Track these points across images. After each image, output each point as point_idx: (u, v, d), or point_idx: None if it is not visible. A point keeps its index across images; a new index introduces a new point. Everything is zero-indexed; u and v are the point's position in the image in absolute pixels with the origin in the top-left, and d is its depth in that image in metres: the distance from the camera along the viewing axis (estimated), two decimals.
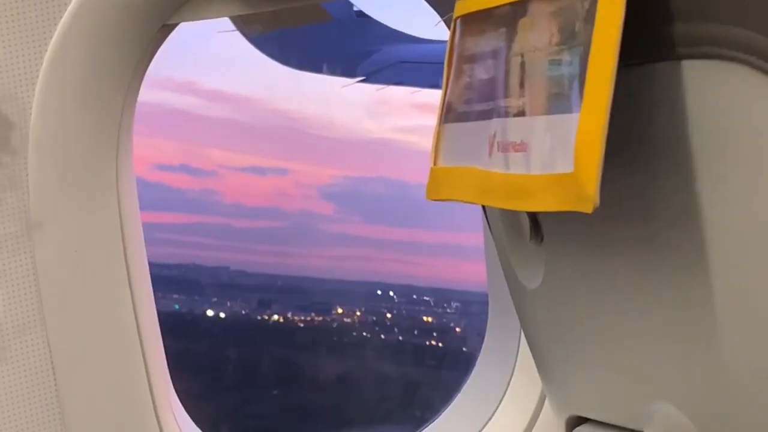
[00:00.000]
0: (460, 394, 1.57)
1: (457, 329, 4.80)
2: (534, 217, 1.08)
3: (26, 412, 1.36)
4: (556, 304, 1.10)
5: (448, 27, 1.10)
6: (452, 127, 1.05)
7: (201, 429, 1.48)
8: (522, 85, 0.95)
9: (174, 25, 1.34)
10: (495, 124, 0.97)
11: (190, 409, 1.46)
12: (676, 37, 0.88)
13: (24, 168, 1.32)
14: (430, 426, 1.57)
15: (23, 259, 1.33)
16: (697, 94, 0.87)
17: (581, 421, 1.14)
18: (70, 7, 1.29)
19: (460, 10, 1.05)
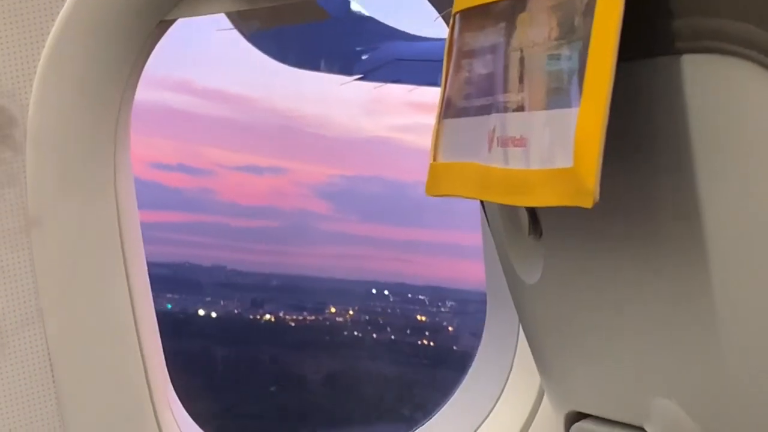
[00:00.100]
0: (458, 390, 1.57)
1: (450, 328, 4.80)
2: (533, 212, 1.08)
3: (25, 407, 1.36)
4: (555, 299, 1.10)
5: (447, 22, 1.10)
6: (452, 122, 1.05)
7: None
8: (521, 80, 0.94)
9: (172, 21, 1.34)
10: (494, 119, 0.97)
11: None
12: (675, 31, 0.87)
13: (24, 164, 1.31)
14: (429, 421, 1.57)
15: (23, 256, 1.33)
16: (697, 89, 0.87)
17: (580, 416, 1.14)
18: (68, 3, 1.29)
19: (459, 5, 1.05)
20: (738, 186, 0.87)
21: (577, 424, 1.14)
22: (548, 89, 0.90)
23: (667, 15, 0.88)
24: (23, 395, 1.36)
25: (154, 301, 1.44)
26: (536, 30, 0.93)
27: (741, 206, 0.87)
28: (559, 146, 0.88)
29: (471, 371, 1.57)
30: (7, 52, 1.30)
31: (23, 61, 1.30)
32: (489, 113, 0.98)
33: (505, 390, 1.52)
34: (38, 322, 1.34)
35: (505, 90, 0.96)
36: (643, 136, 0.92)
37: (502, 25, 0.98)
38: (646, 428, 1.03)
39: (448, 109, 1.05)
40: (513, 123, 0.94)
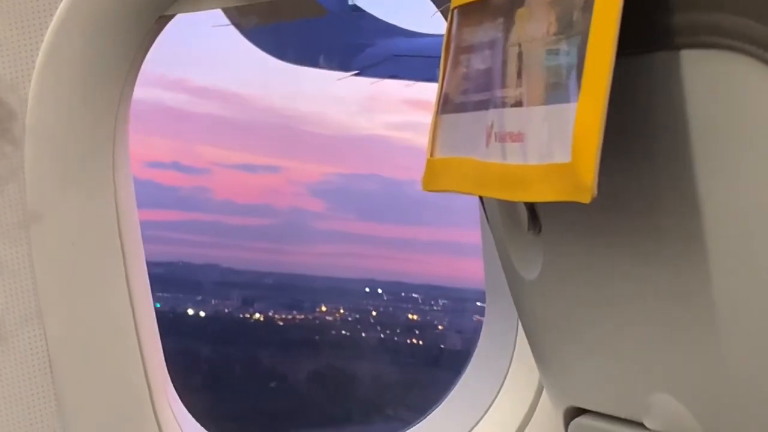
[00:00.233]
0: (457, 385, 1.57)
1: (440, 327, 4.80)
2: (532, 208, 1.08)
3: (25, 405, 1.36)
4: (555, 295, 1.10)
5: (445, 18, 1.10)
6: (449, 117, 1.05)
7: None
8: (519, 75, 0.94)
9: (171, 17, 1.33)
10: (492, 114, 0.97)
11: None
12: (674, 26, 0.87)
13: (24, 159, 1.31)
14: (428, 416, 1.57)
15: (25, 251, 1.33)
16: (696, 84, 0.87)
17: (579, 412, 1.14)
18: None
19: (457, 0, 1.05)
20: (737, 181, 0.87)
21: (576, 419, 1.14)
22: (546, 84, 0.90)
23: (666, 10, 0.88)
24: (23, 393, 1.35)
25: None
26: (535, 25, 0.93)
27: (740, 201, 0.87)
28: (558, 141, 0.88)
29: (470, 367, 1.57)
30: (8, 44, 1.30)
31: (24, 54, 1.30)
32: (487, 108, 0.98)
33: (503, 385, 1.52)
34: (39, 319, 1.34)
35: (503, 85, 0.96)
36: (642, 131, 0.92)
37: (501, 20, 0.98)
38: (645, 423, 1.03)
39: (446, 105, 1.05)
40: (511, 118, 0.94)
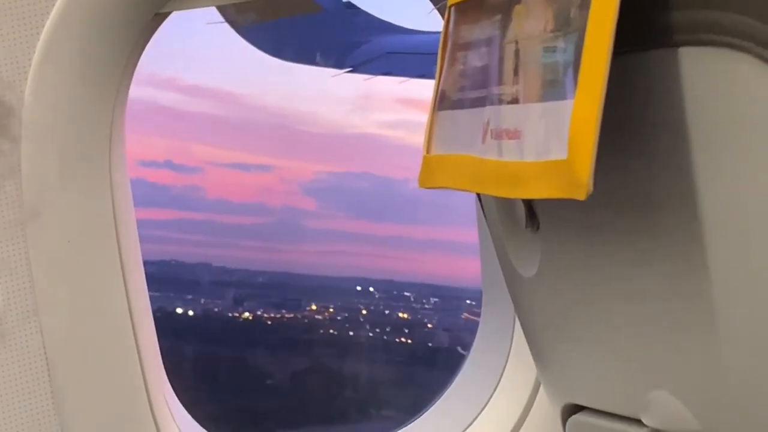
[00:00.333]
0: (454, 382, 1.57)
1: (429, 325, 4.79)
2: (529, 205, 1.08)
3: (23, 402, 1.35)
4: (553, 292, 1.09)
5: (442, 15, 1.10)
6: (446, 114, 1.05)
7: None
8: (516, 72, 0.94)
9: (167, 14, 1.33)
10: (488, 111, 0.97)
11: None
12: (672, 23, 0.87)
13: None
14: (425, 414, 1.57)
15: (23, 248, 1.32)
16: (694, 82, 0.87)
17: (577, 409, 1.14)
18: None
19: None
20: (735, 178, 0.87)
21: (574, 416, 1.14)
22: (543, 81, 0.90)
23: (663, 7, 0.88)
24: (22, 390, 1.35)
25: None
26: (532, 22, 0.93)
27: (738, 198, 0.87)
28: (554, 138, 0.88)
29: (466, 364, 1.57)
30: (5, 41, 1.29)
31: (21, 51, 1.30)
32: (483, 105, 0.98)
33: (500, 383, 1.52)
34: (37, 316, 1.34)
35: (500, 82, 0.96)
36: (639, 128, 0.92)
37: (498, 17, 0.98)
38: (643, 420, 1.03)
39: (443, 102, 1.05)
40: (507, 115, 0.94)
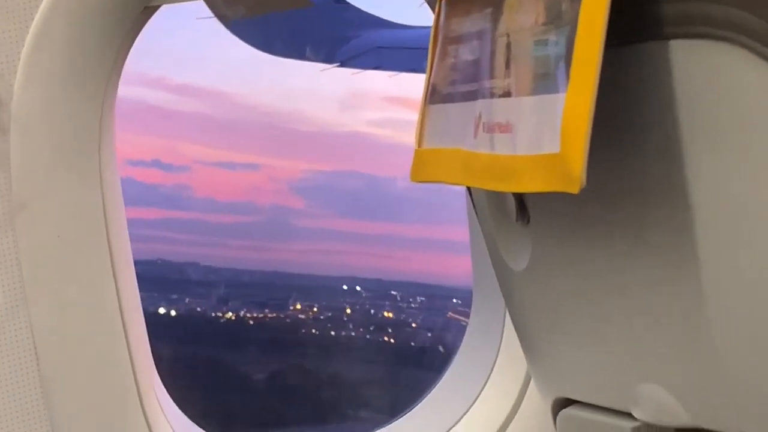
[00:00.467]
0: (444, 377, 1.57)
1: (414, 324, 4.78)
2: (520, 198, 1.08)
3: (11, 394, 1.35)
4: (543, 285, 1.09)
5: (432, 9, 1.10)
6: (437, 108, 1.05)
7: None
8: (508, 65, 0.94)
9: (156, 8, 1.33)
10: (480, 105, 0.97)
11: None
12: (664, 16, 0.87)
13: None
14: (415, 408, 1.57)
15: (12, 240, 1.32)
16: (686, 74, 0.87)
17: (568, 402, 1.14)
18: None
19: None
20: (726, 171, 0.87)
21: (564, 410, 1.14)
22: (535, 75, 0.90)
23: (655, 0, 0.88)
24: (10, 382, 1.35)
25: None
26: (523, 15, 0.93)
27: (729, 191, 0.87)
28: (546, 132, 0.88)
29: (456, 359, 1.57)
30: None
31: (10, 43, 1.29)
32: (475, 99, 0.98)
33: (491, 377, 1.52)
34: (26, 309, 1.33)
35: (492, 76, 0.96)
36: (631, 121, 0.92)
37: (489, 10, 0.97)
38: (633, 413, 1.03)
39: (434, 95, 1.05)
40: (499, 109, 0.94)
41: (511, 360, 1.49)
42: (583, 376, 1.09)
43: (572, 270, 1.04)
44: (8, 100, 1.30)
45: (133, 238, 1.42)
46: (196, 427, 1.51)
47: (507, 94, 0.93)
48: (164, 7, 1.35)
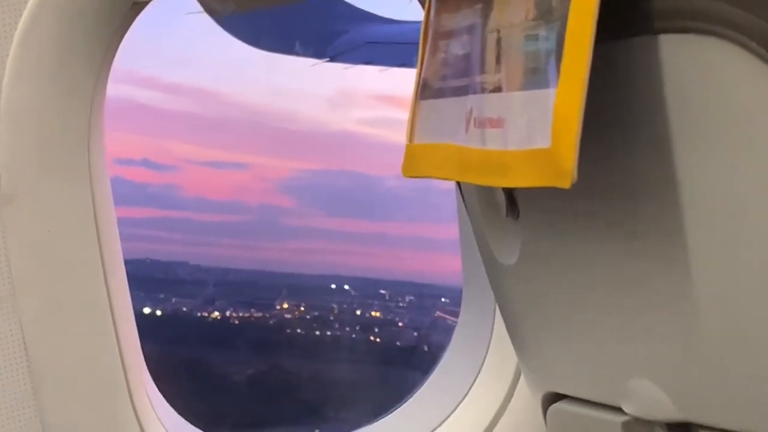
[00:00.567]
0: (434, 373, 1.57)
1: (400, 324, 4.77)
2: (510, 193, 1.08)
3: (2, 389, 1.35)
4: (533, 280, 1.10)
5: (422, 4, 1.10)
6: (428, 103, 1.05)
7: None
8: (498, 60, 0.94)
9: (145, 3, 1.33)
10: (471, 100, 0.97)
11: None
12: (653, 10, 0.88)
13: None
14: (405, 404, 1.57)
15: (2, 234, 1.32)
16: (675, 69, 0.87)
17: (558, 397, 1.14)
18: None
19: None
20: (715, 165, 0.87)
21: (554, 404, 1.14)
22: (525, 70, 0.90)
23: None
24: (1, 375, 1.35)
25: None
26: (513, 10, 0.93)
27: (719, 185, 0.87)
28: (537, 127, 0.88)
29: (446, 354, 1.57)
30: None
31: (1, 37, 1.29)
32: (466, 94, 0.98)
33: (481, 372, 1.52)
34: (13, 300, 1.33)
35: (482, 71, 0.96)
36: (622, 116, 0.92)
37: (479, 6, 0.98)
38: (623, 407, 1.03)
39: (425, 90, 1.05)
40: (490, 104, 0.94)
41: (501, 355, 1.50)
42: (573, 371, 1.10)
43: (562, 265, 1.04)
44: None
45: (122, 237, 1.42)
46: (188, 423, 1.51)
47: (498, 89, 0.94)
48: (154, 6, 1.35)
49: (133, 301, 1.46)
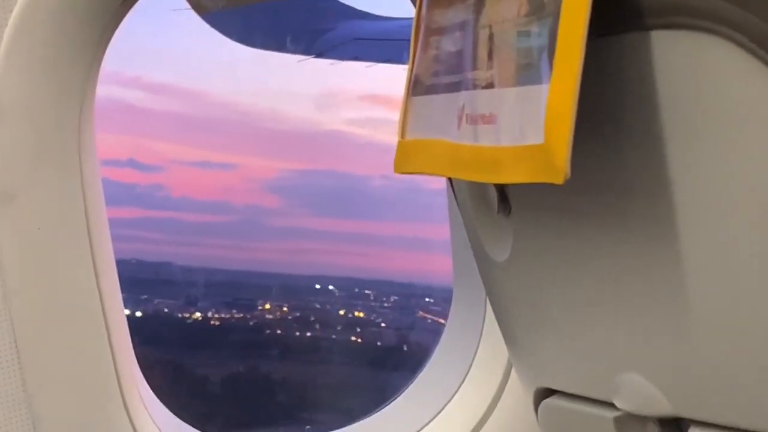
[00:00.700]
0: (426, 368, 1.57)
1: (383, 324, 4.76)
2: (501, 189, 1.08)
3: None
4: (525, 276, 1.10)
5: (413, 1, 1.10)
6: (420, 99, 1.05)
7: None
8: (490, 57, 0.94)
9: (134, 1, 1.33)
10: (463, 96, 0.97)
11: None
12: (645, 7, 0.88)
13: None
14: (396, 400, 1.58)
15: None
16: (668, 65, 0.87)
17: (549, 392, 1.14)
18: None
19: None
20: (707, 161, 0.87)
21: (546, 400, 1.14)
22: (518, 66, 0.91)
23: None
24: None
25: None
26: (505, 6, 0.93)
27: (711, 181, 0.87)
28: (530, 123, 0.88)
29: (438, 348, 1.57)
30: None
31: None
32: (458, 90, 0.98)
33: (472, 367, 1.52)
34: (3, 300, 1.33)
35: (474, 67, 0.96)
36: (615, 112, 0.92)
37: (471, 2, 0.98)
38: (615, 403, 1.03)
39: (417, 87, 1.05)
40: (482, 100, 0.94)
41: (492, 350, 1.50)
42: (565, 366, 1.10)
43: (554, 260, 1.04)
44: None
45: (111, 238, 1.42)
46: (182, 422, 1.51)
47: (490, 85, 0.94)
48: (141, 5, 1.35)
49: None
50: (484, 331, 1.52)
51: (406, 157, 1.06)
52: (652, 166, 0.90)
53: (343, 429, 1.55)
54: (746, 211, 0.86)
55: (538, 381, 1.15)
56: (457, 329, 1.56)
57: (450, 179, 1.21)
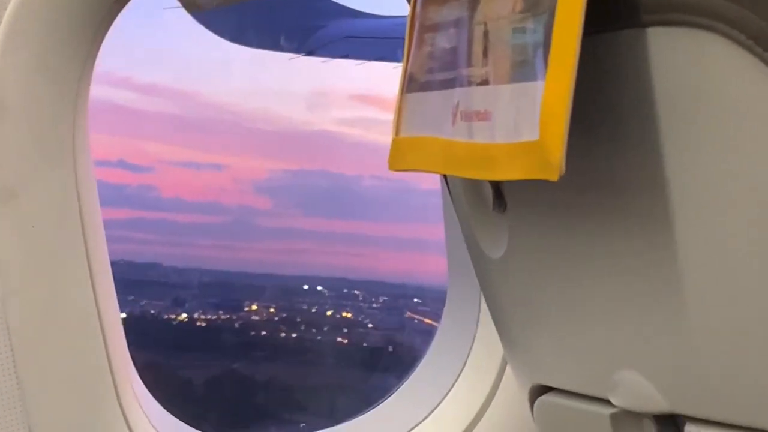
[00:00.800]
0: (420, 365, 1.57)
1: (371, 324, 4.75)
2: (497, 186, 1.08)
3: None
4: (520, 273, 1.10)
5: None
6: (414, 96, 1.04)
7: None
8: (485, 53, 0.94)
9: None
10: (458, 93, 0.97)
11: None
12: (641, 3, 0.88)
13: None
14: (390, 397, 1.57)
15: None
16: (664, 62, 0.87)
17: (545, 390, 1.14)
18: None
19: None
20: (704, 158, 0.87)
21: (541, 397, 1.14)
22: (513, 63, 0.90)
23: None
24: None
25: None
26: (501, 3, 0.93)
27: (708, 179, 0.87)
28: (525, 120, 0.88)
29: (431, 347, 1.57)
30: None
31: None
32: (453, 87, 0.98)
33: (467, 364, 1.52)
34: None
35: (469, 64, 0.96)
36: (610, 109, 0.92)
37: None
38: (611, 400, 1.03)
39: (411, 84, 1.05)
40: (477, 97, 0.94)
41: (487, 347, 1.50)
42: (561, 363, 1.10)
43: (550, 257, 1.04)
44: None
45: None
46: (178, 420, 1.51)
47: (485, 82, 0.93)
48: (134, 3, 1.35)
49: None
50: (478, 329, 1.52)
51: (401, 155, 1.06)
52: (648, 164, 0.90)
53: (338, 426, 1.55)
54: (744, 207, 0.86)
55: (534, 378, 1.14)
56: (452, 327, 1.56)
57: (445, 176, 1.21)
